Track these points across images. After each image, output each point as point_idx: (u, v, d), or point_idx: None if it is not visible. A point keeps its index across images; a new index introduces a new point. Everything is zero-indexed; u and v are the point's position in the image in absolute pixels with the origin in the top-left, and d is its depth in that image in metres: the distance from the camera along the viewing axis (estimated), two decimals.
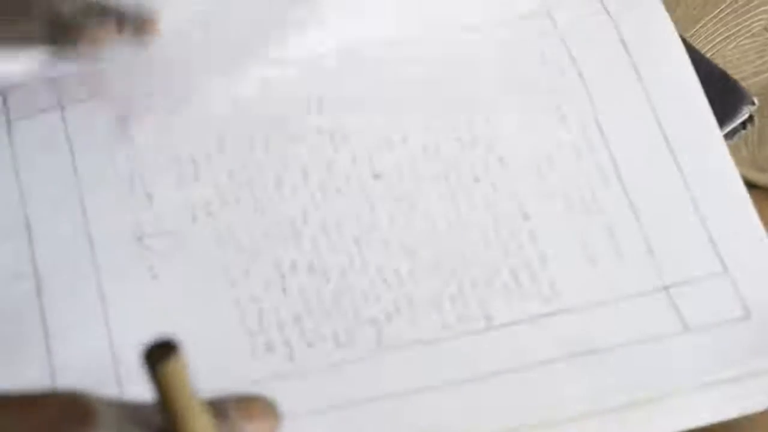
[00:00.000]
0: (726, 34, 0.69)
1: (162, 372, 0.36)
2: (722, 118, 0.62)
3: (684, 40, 0.64)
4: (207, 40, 0.61)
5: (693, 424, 0.52)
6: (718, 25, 0.69)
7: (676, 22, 0.66)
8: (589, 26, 0.64)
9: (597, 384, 0.53)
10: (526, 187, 0.58)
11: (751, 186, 0.62)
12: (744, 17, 0.70)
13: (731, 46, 0.69)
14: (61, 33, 0.55)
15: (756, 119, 0.64)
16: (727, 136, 0.63)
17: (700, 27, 0.69)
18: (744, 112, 0.63)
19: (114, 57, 0.58)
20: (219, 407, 0.41)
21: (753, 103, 0.63)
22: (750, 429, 0.54)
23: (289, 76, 0.62)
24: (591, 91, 0.62)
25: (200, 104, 0.61)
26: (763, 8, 0.70)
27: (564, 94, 0.62)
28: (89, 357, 0.53)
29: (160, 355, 0.36)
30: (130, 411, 0.39)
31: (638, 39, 0.63)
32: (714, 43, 0.69)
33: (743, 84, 0.65)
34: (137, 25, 0.56)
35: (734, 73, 0.66)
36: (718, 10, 0.70)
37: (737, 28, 0.69)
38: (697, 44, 0.68)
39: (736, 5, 0.70)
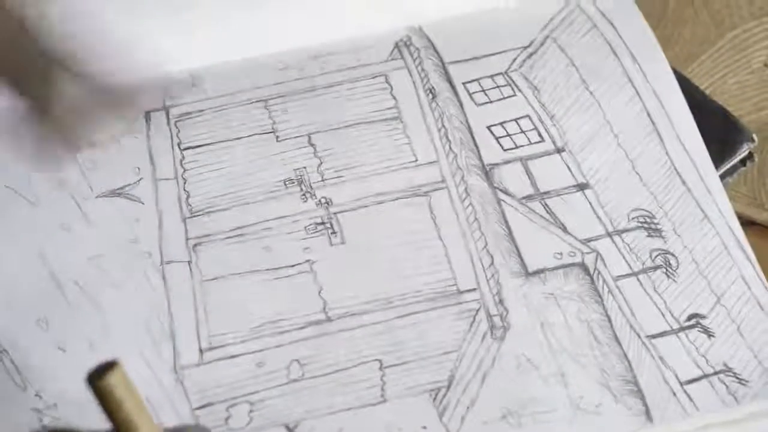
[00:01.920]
0: (726, 71, 0.69)
1: (100, 386, 0.38)
2: (722, 156, 0.63)
3: (685, 78, 0.65)
4: None
5: None
6: (717, 62, 0.70)
7: (676, 58, 0.66)
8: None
9: None
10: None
11: (750, 223, 0.62)
12: (743, 53, 0.70)
13: (731, 81, 0.69)
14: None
15: (756, 156, 0.64)
16: (727, 173, 0.63)
17: (700, 63, 0.70)
18: (744, 149, 0.63)
19: None
20: None
21: (752, 141, 0.63)
22: None
23: None
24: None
25: None
26: (762, 44, 0.71)
27: None
28: None
29: (101, 375, 0.39)
30: None
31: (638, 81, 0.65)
32: (714, 78, 0.69)
33: (743, 120, 0.65)
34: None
35: (734, 110, 0.66)
36: (718, 46, 0.70)
37: (737, 65, 0.70)
38: (697, 80, 0.68)
39: (735, 41, 0.70)
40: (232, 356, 0.56)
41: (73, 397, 0.54)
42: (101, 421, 0.52)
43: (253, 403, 0.54)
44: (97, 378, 0.38)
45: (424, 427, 0.54)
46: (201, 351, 0.56)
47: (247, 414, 0.54)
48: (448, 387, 0.55)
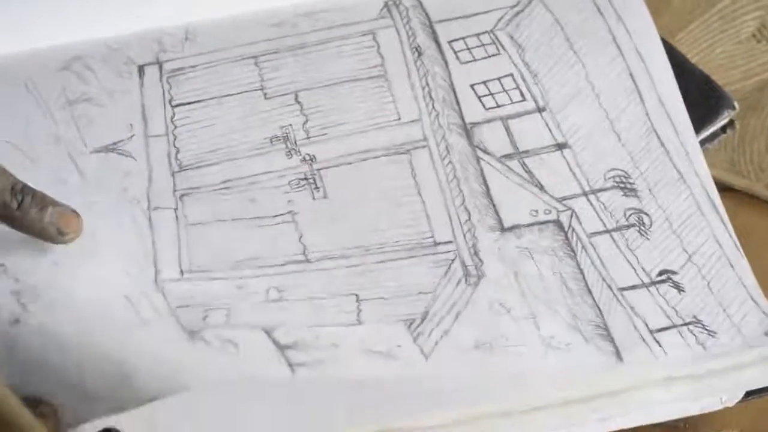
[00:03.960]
0: (713, 40, 0.70)
1: None
2: (703, 121, 0.63)
3: (669, 44, 0.65)
4: None
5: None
6: (705, 31, 0.70)
7: (664, 26, 0.67)
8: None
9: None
10: None
11: (728, 189, 0.62)
12: (731, 24, 0.70)
13: (718, 50, 0.70)
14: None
15: (737, 124, 0.64)
16: (708, 140, 0.63)
17: (688, 32, 0.70)
18: (725, 116, 0.64)
19: None
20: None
21: (734, 108, 0.64)
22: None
23: None
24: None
25: None
26: (750, 15, 0.71)
27: None
28: None
29: None
30: None
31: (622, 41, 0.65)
32: (701, 47, 0.70)
33: (729, 89, 0.65)
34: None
35: (720, 78, 0.66)
36: (707, 15, 0.71)
37: (724, 34, 0.70)
38: (685, 48, 0.68)
39: (724, 12, 0.71)
40: (212, 279, 0.57)
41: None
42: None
43: (230, 310, 0.56)
44: None
45: (399, 346, 0.55)
46: (182, 272, 0.57)
47: (224, 316, 0.55)
48: (423, 319, 0.56)
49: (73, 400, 0.51)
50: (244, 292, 0.56)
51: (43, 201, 0.56)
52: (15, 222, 0.56)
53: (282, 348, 0.54)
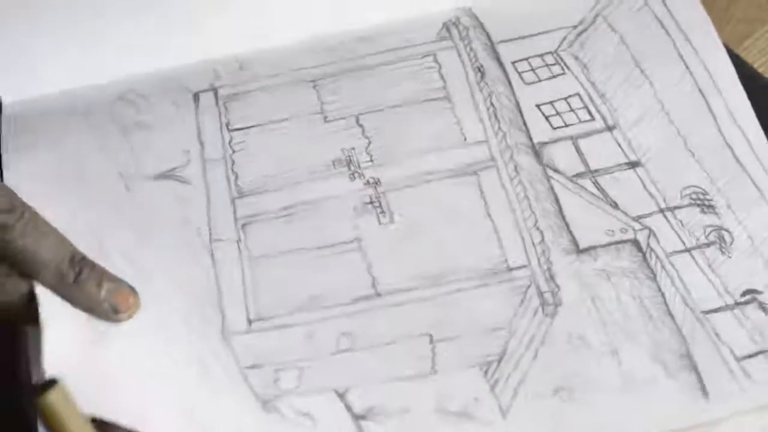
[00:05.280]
0: None
1: (43, 404, 0.38)
2: None
3: (735, 55, 0.64)
4: None
5: None
6: None
7: (729, 35, 0.66)
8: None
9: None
10: None
11: None
12: None
13: None
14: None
15: None
16: None
17: (754, 41, 0.69)
18: None
19: None
20: None
21: None
22: None
23: None
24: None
25: None
26: None
27: None
28: None
29: (43, 391, 0.39)
30: None
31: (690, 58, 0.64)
32: (767, 57, 0.69)
33: None
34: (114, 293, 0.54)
35: None
36: None
37: None
38: (750, 57, 0.67)
39: None
40: (281, 327, 0.56)
41: None
42: None
43: (302, 368, 0.54)
44: (39, 395, 0.38)
45: (476, 399, 0.53)
46: (249, 321, 0.56)
47: (295, 378, 0.54)
48: (500, 361, 0.54)
49: None
50: (314, 343, 0.55)
51: (101, 275, 0.54)
52: (69, 295, 0.53)
53: (357, 418, 0.53)
